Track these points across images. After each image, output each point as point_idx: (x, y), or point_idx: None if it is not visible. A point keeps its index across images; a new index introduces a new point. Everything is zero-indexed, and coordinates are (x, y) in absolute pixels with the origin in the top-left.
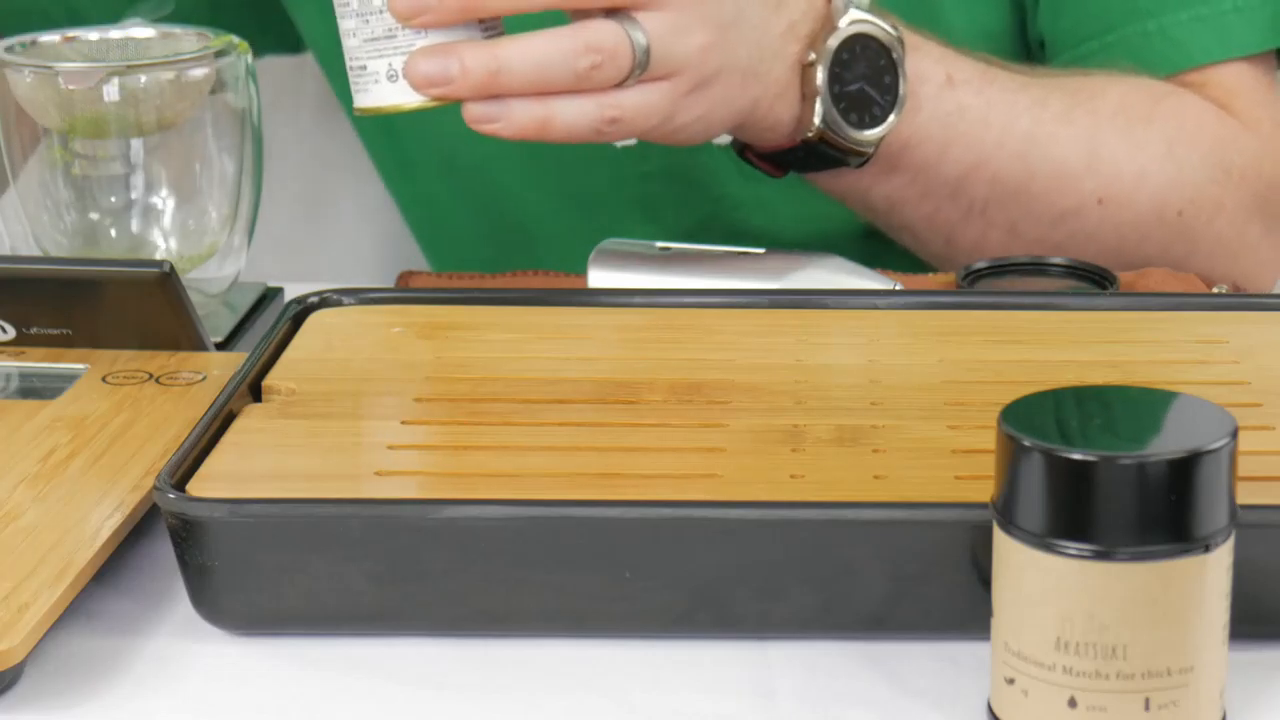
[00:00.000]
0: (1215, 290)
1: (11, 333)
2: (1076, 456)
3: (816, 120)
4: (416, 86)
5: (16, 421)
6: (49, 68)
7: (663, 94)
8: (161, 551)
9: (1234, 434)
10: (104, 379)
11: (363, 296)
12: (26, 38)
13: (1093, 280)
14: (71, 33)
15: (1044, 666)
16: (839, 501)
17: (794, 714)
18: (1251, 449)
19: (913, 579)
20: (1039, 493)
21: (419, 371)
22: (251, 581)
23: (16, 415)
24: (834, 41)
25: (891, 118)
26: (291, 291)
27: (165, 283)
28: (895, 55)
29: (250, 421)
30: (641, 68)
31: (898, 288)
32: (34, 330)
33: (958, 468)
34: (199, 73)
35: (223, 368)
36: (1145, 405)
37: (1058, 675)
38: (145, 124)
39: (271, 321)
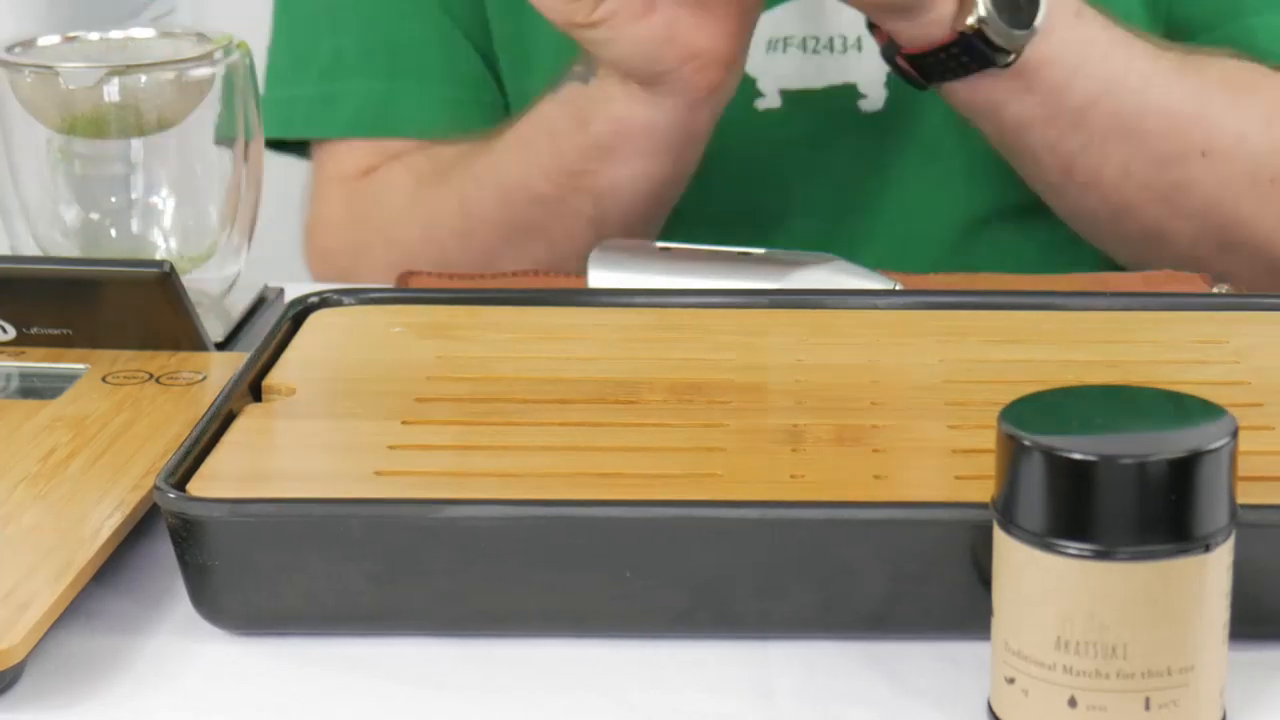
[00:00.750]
0: (1215, 290)
1: (11, 333)
2: (1076, 456)
3: (981, 9)
4: None
5: (16, 421)
6: (49, 68)
7: None
8: (161, 551)
9: (1234, 434)
10: (104, 379)
11: (363, 296)
12: (26, 37)
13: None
14: (71, 33)
15: (1044, 666)
16: (839, 501)
17: (794, 713)
18: (1251, 449)
19: (913, 579)
20: (1039, 492)
21: (419, 371)
22: (251, 581)
23: (16, 415)
24: None
25: (1038, 19)
26: (291, 291)
27: (165, 283)
28: None
29: (250, 421)
30: None
31: (898, 288)
32: (34, 330)
33: (958, 468)
34: (199, 73)
35: (223, 368)
36: (1145, 405)
37: (1058, 675)
38: (145, 124)
39: (271, 321)
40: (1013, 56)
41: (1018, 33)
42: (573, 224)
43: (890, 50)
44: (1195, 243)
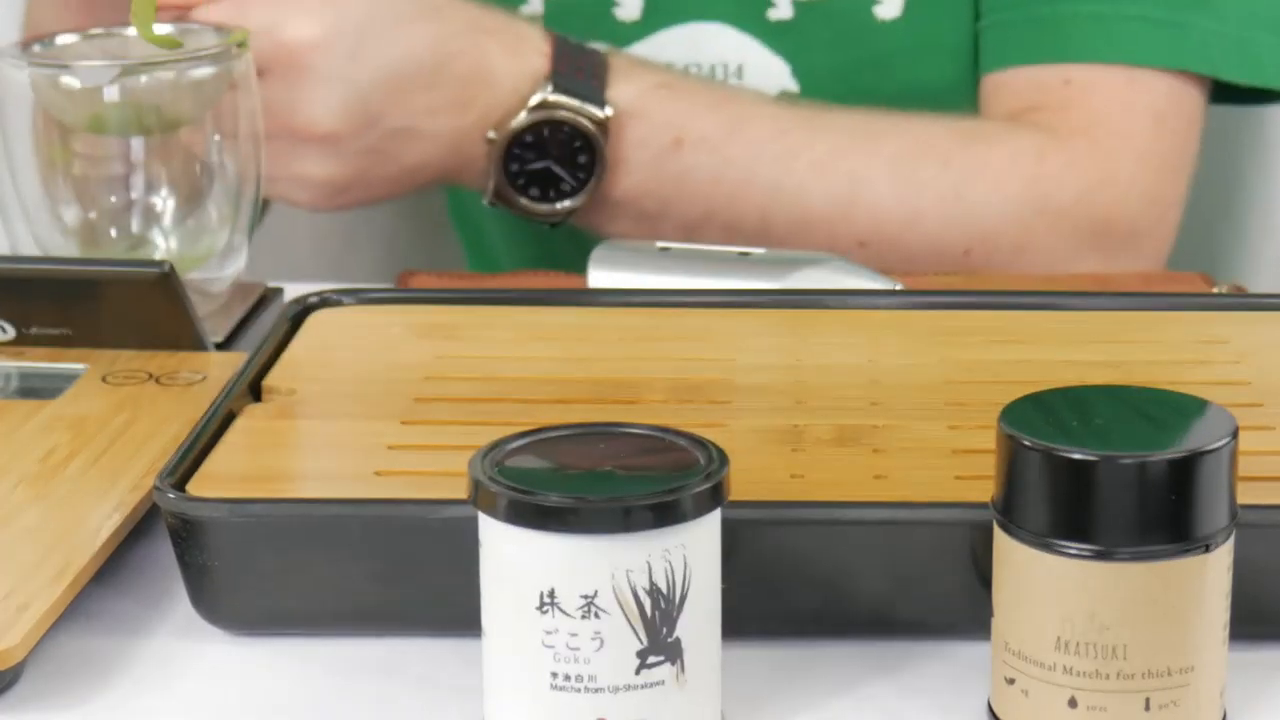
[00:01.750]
0: (1216, 290)
1: (11, 333)
2: (1076, 456)
3: (486, 197)
4: None
5: (16, 421)
6: (51, 67)
7: None
8: (161, 551)
9: (1234, 434)
10: (104, 379)
11: (363, 296)
12: (29, 37)
13: None
14: (74, 33)
15: (1044, 666)
16: (839, 501)
17: (794, 713)
18: (1251, 449)
19: (913, 579)
20: (1039, 492)
21: (419, 371)
22: (251, 581)
23: (16, 415)
24: (517, 124)
25: (581, 195)
26: (291, 291)
27: (165, 283)
28: (594, 140)
29: (250, 421)
30: None
31: (898, 288)
32: (34, 330)
33: (958, 468)
34: (201, 72)
35: (223, 368)
36: (1145, 405)
37: (1058, 675)
38: (146, 124)
39: (271, 321)
40: (555, 219)
41: (548, 207)
42: None
43: None
44: None
